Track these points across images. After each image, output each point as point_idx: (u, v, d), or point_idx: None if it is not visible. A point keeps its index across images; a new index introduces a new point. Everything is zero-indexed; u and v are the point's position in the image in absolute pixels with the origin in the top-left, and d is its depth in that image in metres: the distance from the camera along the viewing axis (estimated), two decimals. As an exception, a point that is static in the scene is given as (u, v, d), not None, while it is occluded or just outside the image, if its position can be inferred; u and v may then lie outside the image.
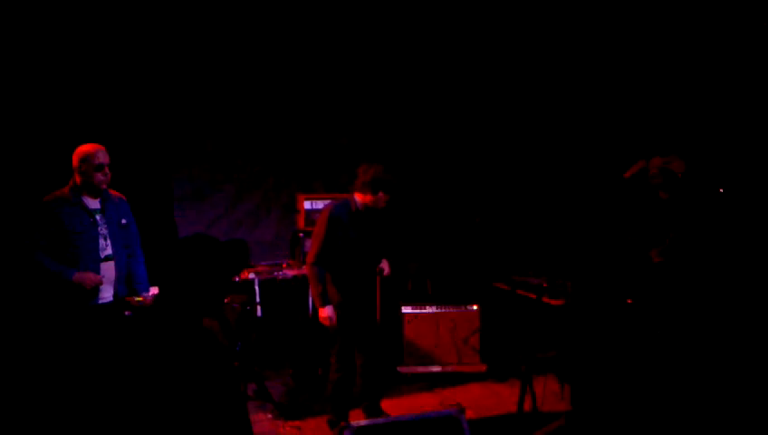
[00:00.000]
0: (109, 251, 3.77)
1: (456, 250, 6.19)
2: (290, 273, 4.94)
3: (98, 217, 3.77)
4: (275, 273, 4.89)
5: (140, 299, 3.63)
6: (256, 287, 4.85)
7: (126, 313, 3.59)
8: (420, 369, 5.32)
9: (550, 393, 4.64)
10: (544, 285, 4.72)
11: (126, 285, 3.87)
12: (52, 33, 4.77)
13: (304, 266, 4.96)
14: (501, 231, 6.05)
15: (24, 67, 4.67)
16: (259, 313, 4.75)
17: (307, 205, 5.35)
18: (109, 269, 3.76)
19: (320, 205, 5.32)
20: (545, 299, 4.71)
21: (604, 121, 5.66)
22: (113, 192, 3.91)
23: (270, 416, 4.60)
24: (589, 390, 4.17)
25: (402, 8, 5.91)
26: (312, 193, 5.65)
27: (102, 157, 3.73)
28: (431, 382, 5.26)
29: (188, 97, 5.69)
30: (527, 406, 4.27)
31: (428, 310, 5.38)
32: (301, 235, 5.30)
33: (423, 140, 6.27)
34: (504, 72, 6.18)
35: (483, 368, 5.35)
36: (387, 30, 5.99)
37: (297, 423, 4.51)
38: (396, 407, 4.72)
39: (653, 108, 5.31)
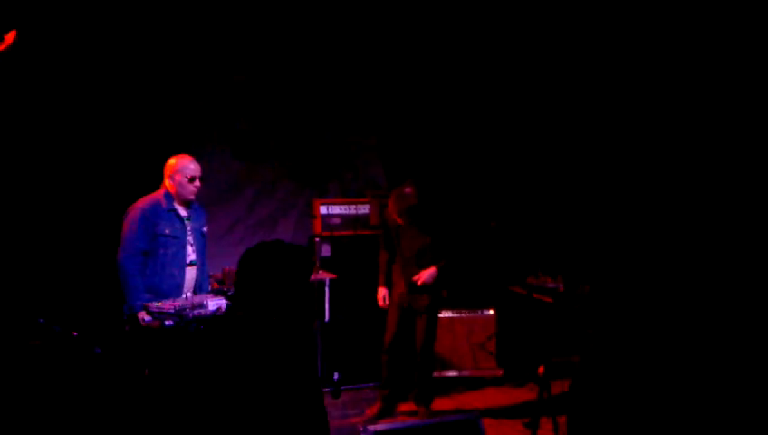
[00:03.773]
0: (193, 257, 4.00)
1: (471, 254, 6.19)
2: (306, 277, 4.95)
3: (186, 223, 3.99)
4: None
5: (159, 304, 3.65)
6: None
7: (146, 318, 3.62)
8: (436, 373, 5.31)
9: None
10: (561, 288, 4.71)
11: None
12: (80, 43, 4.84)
13: (321, 271, 5.02)
14: (516, 235, 6.04)
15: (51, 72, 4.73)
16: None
17: (323, 210, 5.38)
18: (191, 274, 3.99)
19: (336, 210, 5.36)
20: (562, 302, 4.70)
21: (618, 124, 5.63)
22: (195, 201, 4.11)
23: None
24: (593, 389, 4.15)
25: (423, 12, 5.92)
26: (329, 198, 5.68)
27: (194, 169, 3.95)
28: (448, 387, 5.26)
29: (206, 102, 5.74)
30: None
31: (444, 314, 5.38)
32: (317, 239, 5.33)
33: (438, 144, 6.28)
34: (518, 76, 6.17)
35: (499, 373, 5.34)
36: (407, 33, 5.99)
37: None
38: (412, 411, 4.73)
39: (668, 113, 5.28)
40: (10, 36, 3.53)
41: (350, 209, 5.42)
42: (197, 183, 3.96)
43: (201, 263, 4.10)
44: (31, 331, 4.04)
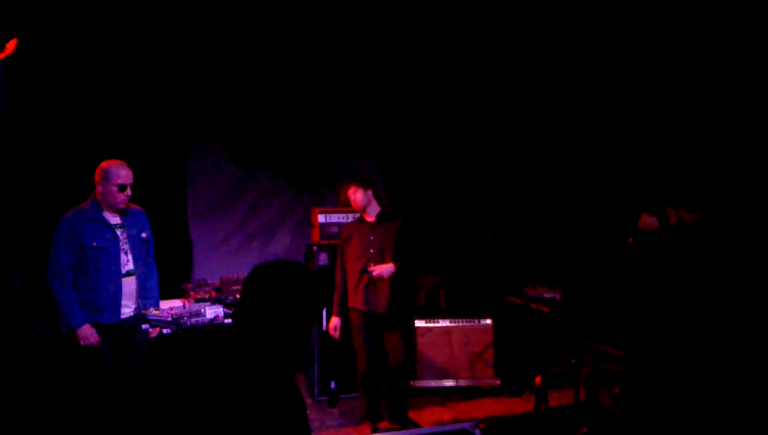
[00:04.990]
0: (130, 266, 3.72)
1: (468, 264, 6.20)
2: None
3: (119, 232, 3.70)
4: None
5: (157, 312, 3.65)
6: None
7: (144, 326, 3.61)
8: (433, 383, 5.32)
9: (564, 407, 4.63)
10: (558, 298, 4.72)
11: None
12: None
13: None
14: (513, 245, 6.05)
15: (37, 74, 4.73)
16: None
17: (321, 219, 5.38)
18: (129, 284, 3.71)
19: (334, 219, 5.36)
20: (559, 313, 4.71)
21: (615, 134, 5.66)
22: (132, 205, 3.83)
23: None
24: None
25: (422, 21, 5.95)
26: (327, 207, 5.69)
27: (126, 177, 3.65)
28: (445, 397, 5.25)
29: (205, 109, 5.76)
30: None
31: (441, 324, 5.39)
32: (315, 248, 5.34)
33: (435, 156, 6.30)
34: (517, 87, 6.20)
35: (497, 382, 5.34)
36: (406, 42, 6.02)
37: (311, 437, 4.51)
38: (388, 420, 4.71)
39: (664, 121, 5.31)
40: (11, 45, 3.52)
41: (347, 218, 5.41)
42: (128, 192, 3.65)
43: (144, 271, 3.82)
44: (29, 338, 4.04)
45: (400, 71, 6.12)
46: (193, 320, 3.53)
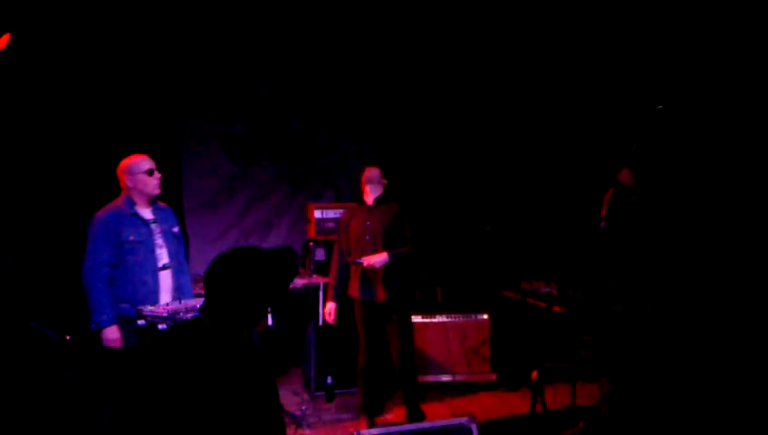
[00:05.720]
0: (165, 260, 3.79)
1: (465, 259, 6.20)
2: (300, 282, 4.95)
3: (153, 226, 3.77)
4: (286, 282, 4.89)
5: (152, 308, 3.63)
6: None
7: (139, 322, 3.59)
8: (430, 378, 5.32)
9: (560, 403, 4.64)
10: (555, 293, 4.71)
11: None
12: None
13: (314, 275, 5.02)
14: (511, 240, 6.05)
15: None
16: (270, 321, 4.76)
17: (317, 214, 5.38)
18: (166, 278, 3.79)
19: (330, 214, 5.36)
20: (555, 308, 4.70)
21: (613, 130, 5.65)
22: (160, 202, 3.89)
23: (281, 425, 4.59)
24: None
25: (418, 17, 5.93)
26: (323, 202, 5.69)
27: (149, 162, 3.75)
28: (441, 391, 5.26)
29: (197, 104, 5.74)
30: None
31: (438, 319, 5.38)
32: (311, 244, 5.33)
33: (433, 150, 6.29)
34: (514, 83, 6.19)
35: (493, 377, 5.34)
36: (404, 36, 5.99)
37: (309, 433, 4.51)
38: (405, 416, 4.71)
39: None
40: (3, 39, 3.49)
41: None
42: (158, 175, 3.77)
43: (177, 266, 3.89)
44: (23, 334, 4.02)
45: (396, 67, 6.11)
46: (189, 315, 3.50)
